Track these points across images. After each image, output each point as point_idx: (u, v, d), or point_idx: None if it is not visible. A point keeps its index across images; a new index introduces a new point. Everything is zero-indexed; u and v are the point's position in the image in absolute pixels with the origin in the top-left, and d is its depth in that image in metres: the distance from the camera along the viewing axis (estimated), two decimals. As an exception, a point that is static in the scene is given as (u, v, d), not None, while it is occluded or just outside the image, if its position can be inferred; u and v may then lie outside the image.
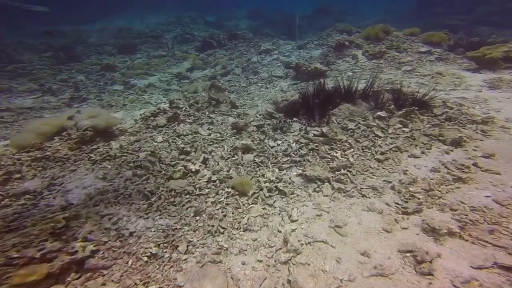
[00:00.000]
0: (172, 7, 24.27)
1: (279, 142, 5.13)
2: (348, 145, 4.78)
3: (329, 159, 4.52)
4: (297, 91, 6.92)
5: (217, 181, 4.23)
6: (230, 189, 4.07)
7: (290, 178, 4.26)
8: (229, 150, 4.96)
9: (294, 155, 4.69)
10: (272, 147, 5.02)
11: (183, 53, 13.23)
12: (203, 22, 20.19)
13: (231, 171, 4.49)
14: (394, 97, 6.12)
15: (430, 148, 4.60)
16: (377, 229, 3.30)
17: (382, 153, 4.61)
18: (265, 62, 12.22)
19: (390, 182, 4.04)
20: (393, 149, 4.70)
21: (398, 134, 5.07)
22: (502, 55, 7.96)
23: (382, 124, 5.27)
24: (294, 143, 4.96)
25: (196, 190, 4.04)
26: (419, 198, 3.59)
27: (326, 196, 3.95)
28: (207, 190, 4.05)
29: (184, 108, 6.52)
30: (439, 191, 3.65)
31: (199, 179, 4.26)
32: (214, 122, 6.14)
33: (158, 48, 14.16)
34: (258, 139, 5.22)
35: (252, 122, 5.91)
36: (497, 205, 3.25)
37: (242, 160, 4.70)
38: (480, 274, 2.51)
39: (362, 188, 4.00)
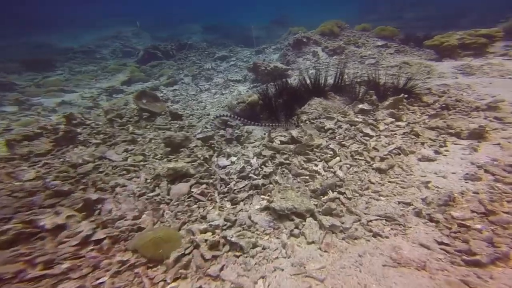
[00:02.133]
0: (119, 25, 21.62)
1: (234, 158, 3.24)
2: (331, 152, 3.07)
3: (307, 177, 2.73)
4: (257, 92, 5.23)
5: (107, 241, 2.12)
6: (129, 256, 2.00)
7: (250, 218, 2.36)
8: (147, 181, 2.89)
9: (255, 177, 2.82)
10: (223, 167, 3.10)
11: (119, 65, 10.92)
12: (149, 37, 18.08)
13: (143, 216, 2.42)
14: (371, 88, 4.78)
15: (446, 145, 3.12)
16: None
17: (382, 159, 2.99)
18: (221, 69, 10.55)
19: (409, 203, 2.38)
20: (394, 151, 3.12)
21: (393, 131, 3.56)
22: (457, 42, 7.43)
23: (369, 119, 3.74)
24: (255, 158, 3.11)
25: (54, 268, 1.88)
26: (480, 231, 1.93)
27: (313, 243, 2.12)
28: (79, 267, 1.91)
29: (91, 125, 4.28)
30: (508, 213, 2.04)
31: (70, 241, 2.10)
32: (139, 140, 4.01)
33: (88, 64, 11.59)
34: (202, 158, 3.25)
35: (197, 135, 3.95)
36: None
37: (167, 194, 2.67)
38: None
39: (370, 221, 2.26)
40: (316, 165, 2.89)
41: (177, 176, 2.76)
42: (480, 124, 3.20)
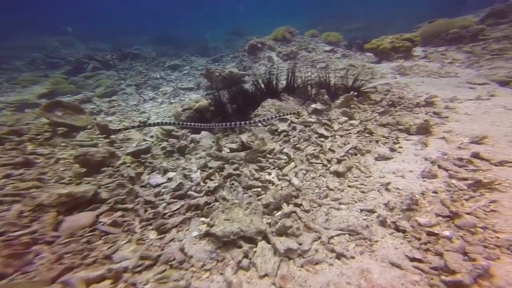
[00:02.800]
0: (46, 33, 18.24)
1: (172, 174, 2.56)
2: (285, 158, 2.65)
3: (260, 189, 2.24)
4: (209, 98, 4.59)
5: None
6: None
7: (182, 250, 1.74)
8: (22, 214, 2.01)
9: (195, 194, 2.20)
10: (156, 185, 2.40)
11: (36, 77, 8.95)
12: (84, 47, 15.67)
13: None
14: (322, 88, 4.64)
15: (399, 142, 2.97)
16: None
17: (339, 161, 2.67)
18: (171, 78, 9.59)
19: (372, 211, 2.07)
20: (351, 151, 2.85)
21: (347, 130, 3.33)
22: (390, 45, 8.02)
23: (323, 119, 3.47)
24: (199, 171, 2.49)
25: None
26: (450, 239, 1.66)
27: (266, 276, 1.61)
28: None
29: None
30: (470, 214, 1.83)
31: None
32: (38, 161, 2.99)
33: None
34: (127, 177, 2.49)
35: (128, 149, 3.13)
36: None
37: (53, 230, 1.86)
38: None
39: (332, 238, 1.86)
40: (269, 174, 2.42)
41: (76, 204, 1.96)
42: (424, 119, 3.17)
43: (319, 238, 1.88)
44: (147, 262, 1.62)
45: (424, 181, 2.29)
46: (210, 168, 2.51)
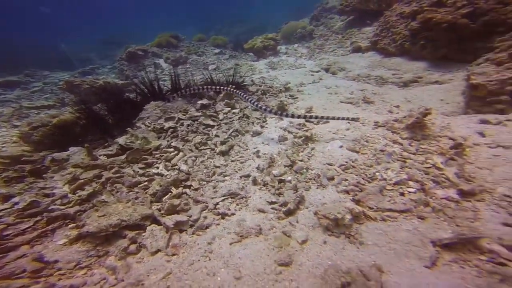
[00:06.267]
0: None
1: (17, 198, 2.08)
2: (174, 151, 2.70)
3: (147, 183, 2.21)
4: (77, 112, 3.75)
5: None
6: None
7: (40, 259, 1.54)
8: None
9: (60, 207, 1.92)
10: None
11: None
12: None
13: None
14: (209, 85, 4.89)
15: (266, 121, 3.57)
16: (271, 270, 1.50)
17: (222, 143, 2.97)
18: (8, 97, 7.34)
19: (248, 175, 2.45)
20: (233, 134, 3.22)
21: (231, 118, 3.68)
22: (261, 44, 9.22)
23: (209, 112, 3.70)
24: (66, 186, 2.15)
25: None
26: (290, 182, 2.22)
27: (159, 251, 1.69)
28: None
29: None
30: (301, 161, 2.49)
31: None
32: None
33: None
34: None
35: None
36: (353, 153, 2.50)
37: None
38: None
39: (217, 204, 2.11)
40: (157, 168, 2.41)
41: None
42: (280, 100, 3.95)
43: (207, 207, 2.09)
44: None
45: (280, 144, 2.89)
46: (83, 179, 2.21)
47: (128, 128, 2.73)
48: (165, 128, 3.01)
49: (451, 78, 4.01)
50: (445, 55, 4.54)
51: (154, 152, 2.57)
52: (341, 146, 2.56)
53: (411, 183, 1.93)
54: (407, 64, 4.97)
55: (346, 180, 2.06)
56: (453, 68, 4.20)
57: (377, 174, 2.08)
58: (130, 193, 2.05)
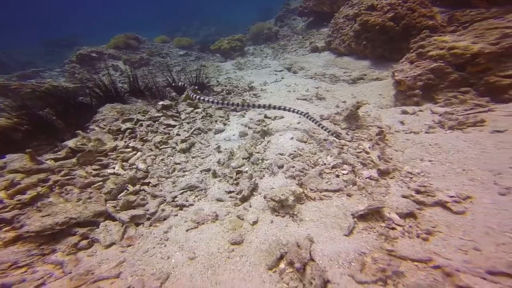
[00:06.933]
0: None
1: None
2: (132, 151, 2.67)
3: (101, 183, 2.17)
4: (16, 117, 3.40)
5: None
6: None
7: None
8: None
9: None
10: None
11: None
12: None
13: None
14: (171, 86, 4.88)
15: (229, 118, 3.69)
16: (224, 249, 1.62)
17: (183, 141, 3.01)
18: None
19: (208, 169, 2.54)
20: (195, 132, 3.27)
21: (193, 117, 3.72)
22: (228, 45, 9.34)
23: (170, 112, 3.69)
24: (2, 192, 1.99)
25: None
26: (246, 172, 2.37)
27: (113, 244, 1.71)
28: None
29: None
30: (258, 152, 2.66)
31: None
32: None
33: None
34: None
35: None
36: (301, 143, 2.74)
37: None
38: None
39: (176, 197, 2.17)
40: (113, 168, 2.37)
41: None
42: (243, 99, 4.10)
43: (165, 200, 2.13)
44: None
45: (241, 138, 3.04)
46: (24, 184, 2.08)
47: (78, 131, 2.61)
48: (122, 129, 2.95)
49: (387, 75, 4.57)
50: (382, 54, 5.13)
51: (110, 153, 2.51)
52: (291, 138, 2.79)
53: (345, 166, 2.22)
54: (354, 63, 5.51)
55: (293, 167, 2.27)
56: (389, 66, 4.78)
57: (319, 160, 2.34)
58: (82, 193, 2.00)
